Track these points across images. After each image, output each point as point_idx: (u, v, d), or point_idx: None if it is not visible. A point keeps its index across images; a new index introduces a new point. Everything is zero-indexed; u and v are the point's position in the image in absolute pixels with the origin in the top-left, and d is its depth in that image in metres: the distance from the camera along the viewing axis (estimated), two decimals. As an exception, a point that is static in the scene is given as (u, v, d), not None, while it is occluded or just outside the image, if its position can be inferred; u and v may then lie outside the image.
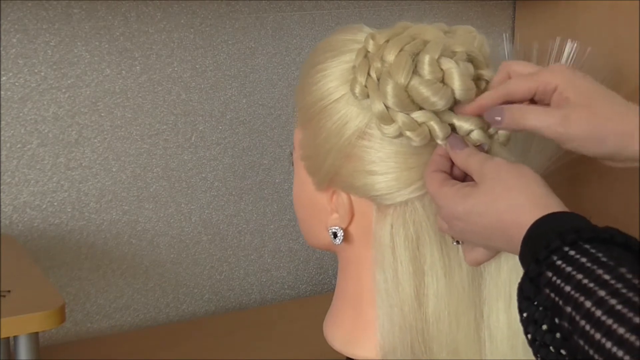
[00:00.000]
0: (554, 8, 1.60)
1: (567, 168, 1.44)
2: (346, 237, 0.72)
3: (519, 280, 0.55)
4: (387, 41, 0.66)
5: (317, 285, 1.54)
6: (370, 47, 0.67)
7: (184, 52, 1.34)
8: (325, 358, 0.83)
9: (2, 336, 0.85)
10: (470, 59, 0.66)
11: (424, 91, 0.63)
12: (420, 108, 0.64)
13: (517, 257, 0.58)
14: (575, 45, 1.50)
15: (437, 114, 0.65)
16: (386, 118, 0.65)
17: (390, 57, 0.64)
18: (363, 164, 0.67)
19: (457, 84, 0.64)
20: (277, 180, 1.47)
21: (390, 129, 0.65)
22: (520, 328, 0.54)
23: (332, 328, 0.77)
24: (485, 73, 0.67)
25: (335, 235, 0.71)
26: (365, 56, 0.66)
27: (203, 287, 1.43)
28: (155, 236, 1.37)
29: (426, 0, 1.57)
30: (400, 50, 0.64)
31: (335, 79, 0.68)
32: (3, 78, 1.20)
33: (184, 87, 1.35)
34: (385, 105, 0.64)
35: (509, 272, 0.67)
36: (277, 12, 1.41)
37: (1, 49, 1.19)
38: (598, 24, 1.52)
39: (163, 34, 1.31)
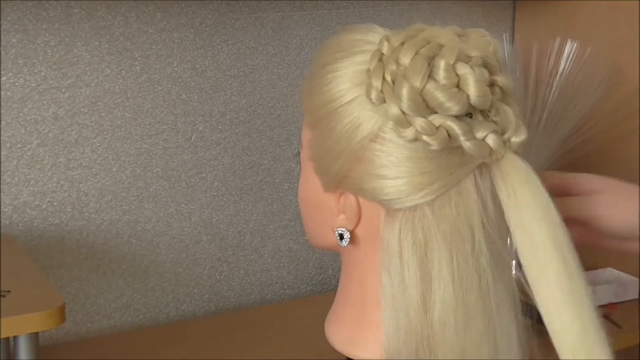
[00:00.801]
0: (553, 8, 1.60)
1: (567, 168, 1.44)
2: (352, 239, 0.71)
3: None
4: (402, 44, 0.65)
5: (317, 285, 1.54)
6: (385, 49, 0.66)
7: (183, 52, 1.34)
8: (326, 358, 0.83)
9: (2, 336, 0.85)
10: (485, 64, 0.65)
11: (439, 96, 0.63)
12: (434, 113, 0.64)
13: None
14: (575, 45, 1.50)
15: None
16: (403, 122, 0.64)
17: (406, 60, 0.64)
18: (373, 167, 0.67)
19: (472, 89, 0.63)
20: (277, 180, 1.47)
21: (408, 132, 0.64)
22: None
23: (334, 328, 0.77)
24: (499, 79, 0.66)
25: (341, 236, 0.71)
26: (380, 59, 0.66)
27: (203, 287, 1.43)
28: (155, 236, 1.37)
29: (426, 0, 1.57)
30: (415, 54, 0.64)
31: (347, 80, 0.68)
32: (3, 78, 1.20)
33: (183, 87, 1.35)
34: (401, 110, 0.64)
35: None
36: (277, 12, 1.41)
37: (1, 49, 1.19)
38: (598, 24, 1.51)
39: (163, 34, 1.31)
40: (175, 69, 1.33)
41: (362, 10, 1.50)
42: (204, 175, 1.39)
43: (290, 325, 1.34)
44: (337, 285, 0.79)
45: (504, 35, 1.65)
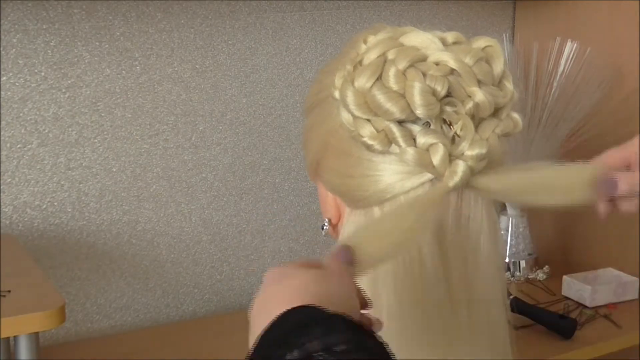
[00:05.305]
0: (554, 8, 1.60)
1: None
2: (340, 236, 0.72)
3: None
4: (375, 45, 0.65)
5: (317, 285, 1.54)
6: (361, 49, 0.66)
7: (184, 52, 1.34)
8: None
9: (3, 336, 0.85)
10: (458, 74, 0.63)
11: (379, 98, 0.62)
12: (377, 116, 0.63)
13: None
14: (575, 45, 1.50)
15: (399, 122, 0.63)
16: (349, 121, 0.64)
17: (367, 61, 0.64)
18: (332, 160, 0.68)
19: (416, 97, 0.61)
20: (277, 180, 1.47)
21: (353, 132, 0.64)
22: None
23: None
24: (477, 93, 0.63)
25: (322, 226, 0.73)
26: (352, 59, 0.66)
27: (203, 287, 1.43)
28: (156, 236, 1.37)
29: (426, 0, 1.57)
30: (379, 56, 0.64)
31: (332, 75, 0.68)
32: (3, 78, 1.20)
33: (184, 87, 1.35)
34: (348, 109, 0.64)
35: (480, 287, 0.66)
36: (277, 12, 1.41)
37: (1, 49, 1.19)
38: (598, 24, 1.52)
39: (163, 34, 1.31)
40: (176, 69, 1.33)
41: (362, 11, 1.50)
42: (204, 175, 1.39)
43: (290, 325, 1.33)
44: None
45: (504, 35, 1.65)
